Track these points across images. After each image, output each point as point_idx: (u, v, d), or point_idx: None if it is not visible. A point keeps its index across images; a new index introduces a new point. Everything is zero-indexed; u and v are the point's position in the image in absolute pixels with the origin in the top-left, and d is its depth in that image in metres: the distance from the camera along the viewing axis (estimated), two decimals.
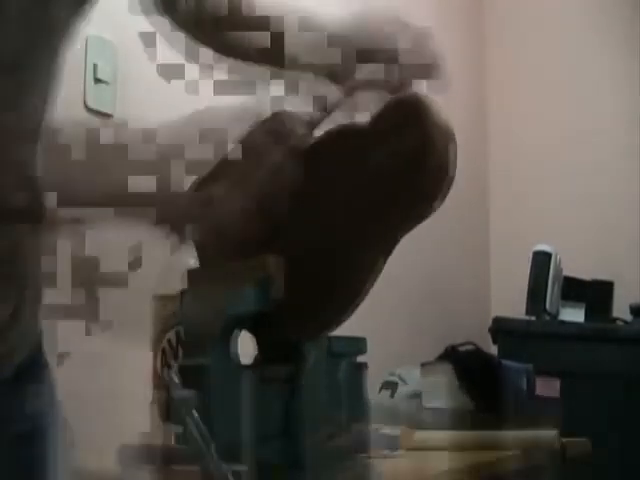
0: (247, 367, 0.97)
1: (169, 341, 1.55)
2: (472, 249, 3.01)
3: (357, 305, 0.94)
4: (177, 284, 1.11)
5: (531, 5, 3.13)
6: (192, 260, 1.34)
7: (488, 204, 3.11)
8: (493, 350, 2.57)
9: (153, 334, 1.56)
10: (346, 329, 1.01)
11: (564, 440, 1.78)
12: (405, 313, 2.57)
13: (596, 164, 2.95)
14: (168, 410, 0.90)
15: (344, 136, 0.93)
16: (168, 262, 1.47)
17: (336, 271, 0.91)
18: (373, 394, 1.84)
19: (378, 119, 0.90)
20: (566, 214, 2.95)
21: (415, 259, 2.41)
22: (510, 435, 1.73)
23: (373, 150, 0.89)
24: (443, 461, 1.54)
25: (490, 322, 2.69)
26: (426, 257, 2.56)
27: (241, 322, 0.92)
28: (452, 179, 0.89)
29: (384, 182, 0.87)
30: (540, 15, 3.10)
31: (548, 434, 1.77)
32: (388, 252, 0.92)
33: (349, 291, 0.91)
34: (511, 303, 2.73)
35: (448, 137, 0.85)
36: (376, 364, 1.20)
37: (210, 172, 1.05)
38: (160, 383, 1.56)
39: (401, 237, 0.92)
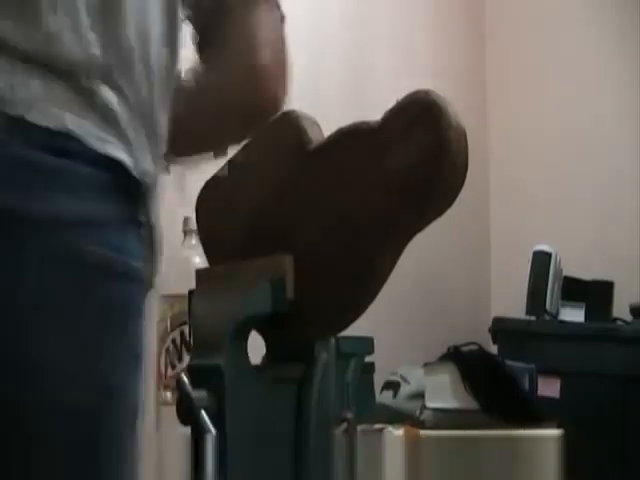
0: (259, 367, 0.96)
1: (173, 341, 1.55)
2: (472, 249, 3.01)
3: (368, 305, 0.94)
4: (183, 283, 1.10)
5: (533, 6, 3.13)
6: (198, 259, 1.34)
7: (488, 204, 3.12)
8: (493, 350, 2.57)
9: (157, 334, 1.56)
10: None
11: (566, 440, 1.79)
12: (404, 313, 2.57)
13: (596, 164, 2.95)
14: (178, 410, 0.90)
15: (356, 135, 0.92)
16: (173, 261, 1.46)
17: (349, 272, 0.91)
18: (375, 394, 1.84)
19: (390, 118, 0.90)
20: (566, 214, 2.95)
21: (415, 259, 2.40)
22: (515, 434, 1.74)
23: (386, 150, 0.89)
24: (448, 461, 1.54)
25: (490, 322, 2.69)
26: (426, 257, 2.56)
27: (255, 322, 0.92)
28: (464, 180, 0.89)
29: (398, 183, 0.87)
30: (540, 12, 3.10)
31: (553, 434, 1.77)
32: (399, 252, 0.92)
33: (362, 292, 0.90)
34: (511, 303, 2.73)
35: (463, 139, 0.85)
36: (376, 364, 1.20)
37: (219, 171, 1.05)
38: (164, 383, 1.56)
39: (413, 237, 0.92)
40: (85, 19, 0.84)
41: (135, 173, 0.86)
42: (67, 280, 0.81)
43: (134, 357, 0.89)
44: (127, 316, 0.86)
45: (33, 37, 0.81)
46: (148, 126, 0.89)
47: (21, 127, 0.78)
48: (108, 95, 0.85)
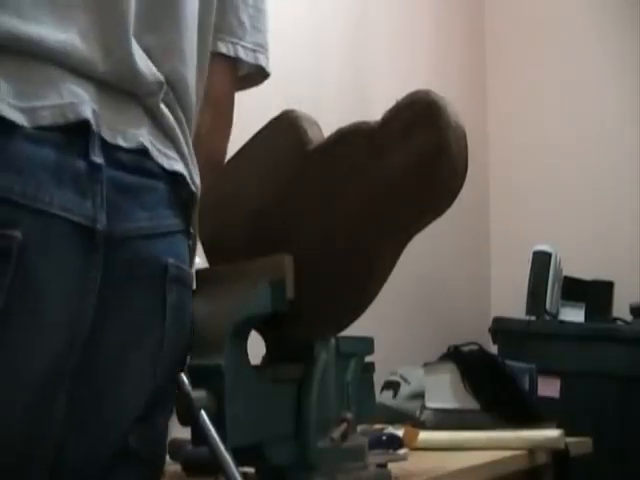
0: (259, 367, 0.96)
1: None
2: (472, 249, 3.01)
3: (368, 306, 0.94)
4: None
5: (532, 6, 3.13)
6: (198, 259, 1.34)
7: (488, 204, 3.12)
8: (493, 350, 2.57)
9: None
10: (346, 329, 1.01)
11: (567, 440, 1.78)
12: (405, 313, 2.56)
13: (596, 164, 2.95)
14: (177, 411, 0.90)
15: (356, 135, 0.92)
16: None
17: (349, 272, 0.91)
18: (375, 394, 1.84)
19: (390, 118, 0.90)
20: (566, 214, 2.95)
21: (415, 259, 2.40)
22: (515, 435, 1.73)
23: (385, 150, 0.89)
24: (448, 461, 1.54)
25: (490, 322, 2.69)
26: (426, 257, 2.56)
27: (255, 322, 0.92)
28: (464, 180, 0.89)
29: (398, 183, 0.87)
30: (540, 12, 3.10)
31: (553, 434, 1.77)
32: (399, 252, 0.92)
33: (362, 292, 0.90)
34: (511, 303, 2.73)
35: (462, 139, 0.85)
36: (376, 364, 1.20)
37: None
38: None
39: (412, 237, 0.92)
40: (151, 43, 0.89)
41: (192, 186, 0.91)
42: (150, 291, 0.85)
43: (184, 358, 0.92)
44: (187, 319, 0.90)
45: (116, 62, 0.85)
46: (190, 142, 0.94)
47: (109, 149, 0.83)
48: (167, 113, 0.90)
